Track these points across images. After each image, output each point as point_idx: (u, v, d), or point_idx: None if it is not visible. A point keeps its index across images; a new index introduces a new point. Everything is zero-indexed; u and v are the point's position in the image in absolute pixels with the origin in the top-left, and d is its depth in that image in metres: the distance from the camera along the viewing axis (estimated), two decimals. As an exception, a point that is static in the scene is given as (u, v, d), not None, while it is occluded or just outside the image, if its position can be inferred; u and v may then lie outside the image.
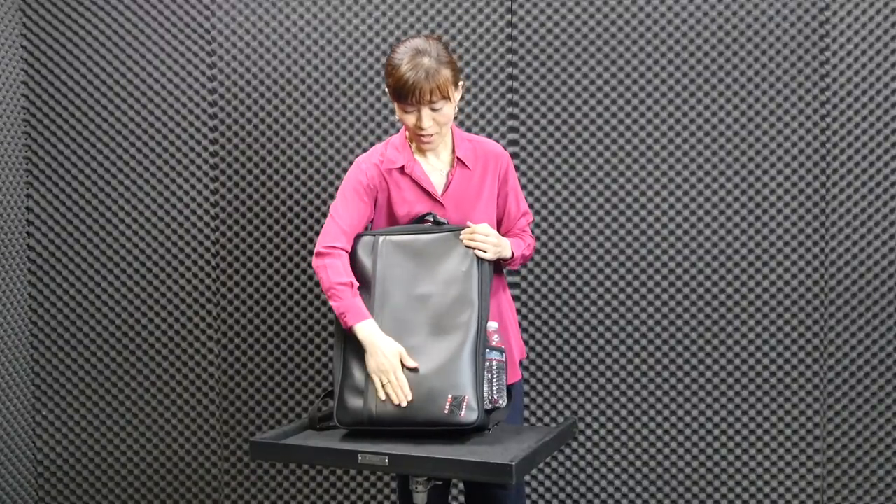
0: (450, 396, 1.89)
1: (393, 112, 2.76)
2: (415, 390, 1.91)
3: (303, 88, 2.81)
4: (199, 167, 2.88)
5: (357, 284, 2.02)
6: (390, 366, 1.93)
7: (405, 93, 1.97)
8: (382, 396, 1.93)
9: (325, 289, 2.02)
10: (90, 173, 2.92)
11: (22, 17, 2.90)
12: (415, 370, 1.93)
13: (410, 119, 2.03)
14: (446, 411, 1.88)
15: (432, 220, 2.09)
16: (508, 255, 2.09)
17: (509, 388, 2.06)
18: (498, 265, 2.16)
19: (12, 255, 2.87)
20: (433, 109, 2.01)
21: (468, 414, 1.88)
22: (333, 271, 2.01)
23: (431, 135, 2.05)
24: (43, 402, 2.97)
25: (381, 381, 1.93)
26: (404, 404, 1.91)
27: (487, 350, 1.96)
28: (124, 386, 2.94)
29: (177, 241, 2.90)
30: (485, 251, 2.01)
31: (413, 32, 2.75)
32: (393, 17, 2.76)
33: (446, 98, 2.00)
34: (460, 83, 2.08)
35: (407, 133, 2.15)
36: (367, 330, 1.97)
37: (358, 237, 2.08)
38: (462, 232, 2.03)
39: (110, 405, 2.95)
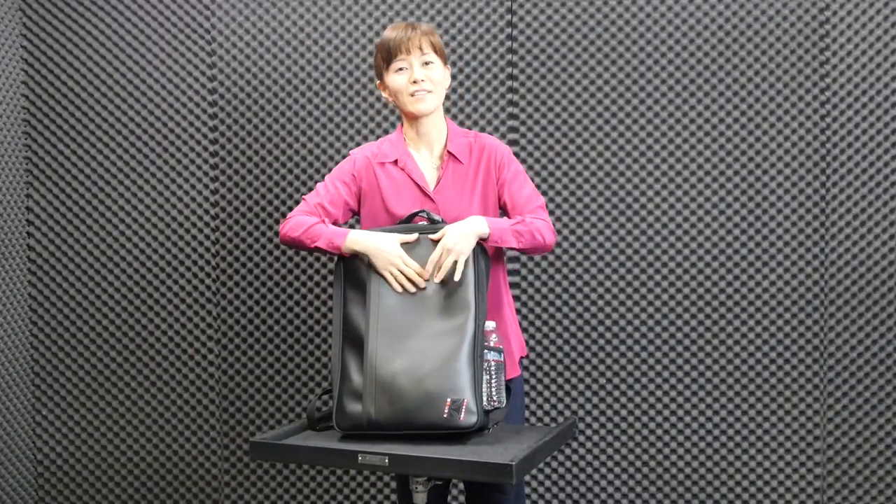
0: (448, 400, 1.88)
1: (392, 112, 2.76)
2: (413, 393, 1.90)
3: (303, 88, 2.81)
4: (199, 167, 2.88)
5: (325, 219, 2.08)
6: (395, 256, 1.97)
7: (395, 45, 2.04)
8: (398, 289, 1.96)
9: (300, 240, 2.06)
10: (90, 173, 2.92)
11: (22, 17, 2.90)
12: (416, 242, 1.98)
13: (402, 79, 2.06)
14: (445, 415, 1.87)
15: (426, 216, 2.06)
16: (485, 230, 1.97)
17: (508, 384, 2.05)
18: (498, 258, 2.15)
19: (12, 255, 2.87)
20: (425, 64, 2.05)
21: (468, 417, 1.87)
22: (300, 222, 2.07)
23: (427, 91, 2.06)
24: (43, 402, 2.97)
25: (394, 275, 1.97)
26: (422, 285, 1.96)
27: (485, 350, 1.95)
28: (124, 386, 2.94)
29: (177, 241, 2.90)
30: (457, 256, 1.95)
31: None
32: (393, 17, 2.76)
33: (437, 53, 2.07)
34: (448, 64, 2.13)
35: (403, 128, 2.17)
36: (357, 238, 2.00)
37: None
38: (429, 270, 1.97)
39: (110, 405, 2.95)
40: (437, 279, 1.96)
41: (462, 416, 1.87)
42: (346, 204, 2.15)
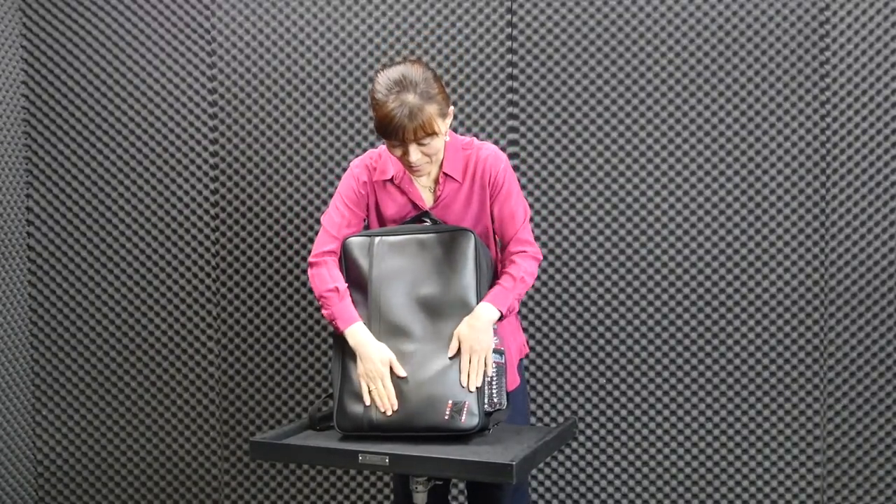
0: (450, 402, 1.88)
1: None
2: (414, 396, 1.90)
3: (303, 88, 2.81)
4: (199, 167, 2.88)
5: (344, 287, 2.01)
6: (378, 373, 1.92)
7: (389, 132, 1.89)
8: (367, 402, 1.93)
9: (317, 298, 2.03)
10: (90, 173, 2.92)
11: (22, 17, 2.90)
12: (403, 379, 1.93)
13: (398, 153, 1.96)
14: (447, 417, 1.87)
15: (429, 220, 2.05)
16: (496, 316, 1.97)
17: (509, 395, 2.04)
18: (495, 269, 2.14)
19: (12, 255, 2.87)
20: (421, 145, 1.93)
21: (469, 419, 1.87)
22: (320, 280, 2.02)
23: (421, 167, 1.98)
24: (43, 402, 2.97)
25: (369, 388, 1.94)
26: (389, 413, 1.91)
27: None
28: (124, 386, 2.94)
29: (177, 241, 2.90)
30: (485, 353, 1.94)
31: (413, 33, 2.74)
32: (393, 17, 2.76)
33: (432, 134, 1.91)
34: (450, 109, 1.98)
35: None
36: (357, 335, 1.96)
37: (352, 239, 2.04)
38: (463, 380, 1.93)
39: (110, 405, 2.95)
40: (472, 387, 1.91)
41: (463, 418, 1.87)
42: (359, 223, 2.12)
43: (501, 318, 1.99)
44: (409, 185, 2.08)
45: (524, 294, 2.07)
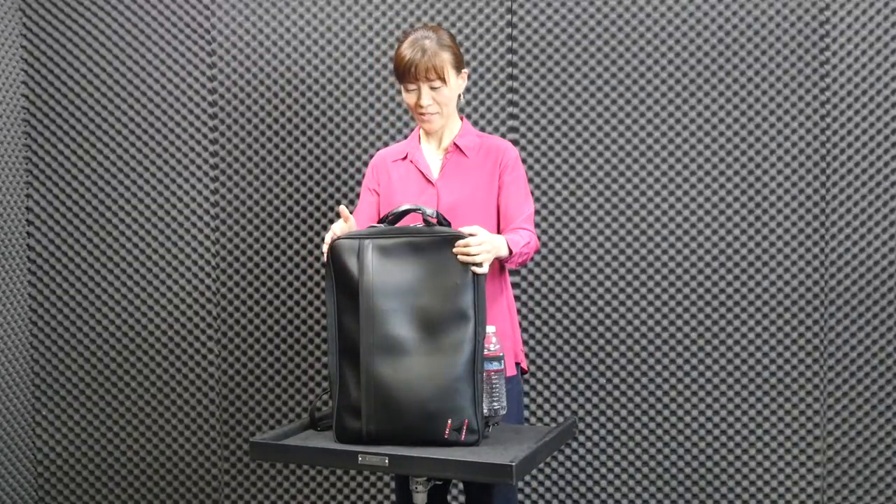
0: (449, 421, 1.85)
1: (394, 112, 2.77)
2: (413, 413, 1.84)
3: (303, 88, 2.81)
4: (199, 167, 2.88)
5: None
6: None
7: (403, 70, 2.08)
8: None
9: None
10: (90, 173, 2.92)
11: (22, 17, 2.90)
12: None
13: (412, 98, 2.12)
14: (447, 436, 1.83)
15: (421, 214, 1.93)
16: (505, 253, 1.97)
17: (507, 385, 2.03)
18: (500, 267, 2.14)
19: (12, 255, 2.87)
20: (432, 88, 2.09)
21: (469, 437, 1.83)
22: None
23: (432, 113, 2.12)
24: (43, 402, 2.97)
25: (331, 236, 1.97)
26: (347, 212, 1.99)
27: (485, 361, 1.88)
28: (124, 386, 2.94)
29: (177, 241, 2.90)
30: (480, 264, 1.87)
31: (413, 32, 2.75)
32: (393, 17, 2.76)
33: (442, 79, 2.08)
34: (464, 71, 2.15)
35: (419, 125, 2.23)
36: None
37: (341, 241, 1.92)
38: (455, 248, 1.87)
39: (110, 405, 2.95)
40: (458, 250, 1.86)
41: (463, 436, 1.84)
42: (373, 212, 2.23)
43: (508, 257, 1.99)
44: (418, 157, 2.19)
45: (523, 263, 2.10)
